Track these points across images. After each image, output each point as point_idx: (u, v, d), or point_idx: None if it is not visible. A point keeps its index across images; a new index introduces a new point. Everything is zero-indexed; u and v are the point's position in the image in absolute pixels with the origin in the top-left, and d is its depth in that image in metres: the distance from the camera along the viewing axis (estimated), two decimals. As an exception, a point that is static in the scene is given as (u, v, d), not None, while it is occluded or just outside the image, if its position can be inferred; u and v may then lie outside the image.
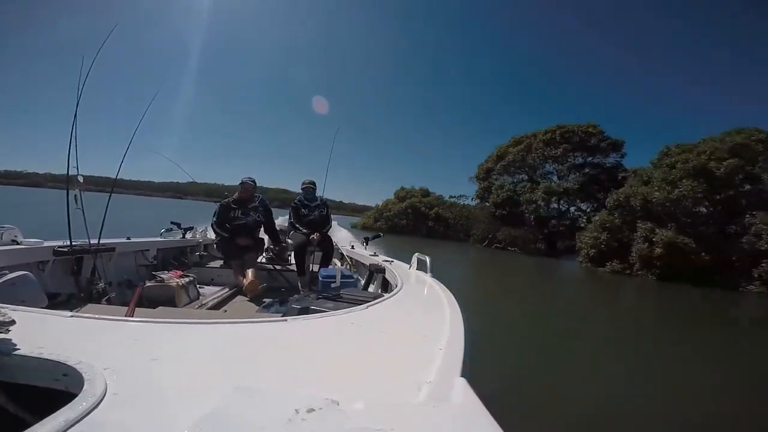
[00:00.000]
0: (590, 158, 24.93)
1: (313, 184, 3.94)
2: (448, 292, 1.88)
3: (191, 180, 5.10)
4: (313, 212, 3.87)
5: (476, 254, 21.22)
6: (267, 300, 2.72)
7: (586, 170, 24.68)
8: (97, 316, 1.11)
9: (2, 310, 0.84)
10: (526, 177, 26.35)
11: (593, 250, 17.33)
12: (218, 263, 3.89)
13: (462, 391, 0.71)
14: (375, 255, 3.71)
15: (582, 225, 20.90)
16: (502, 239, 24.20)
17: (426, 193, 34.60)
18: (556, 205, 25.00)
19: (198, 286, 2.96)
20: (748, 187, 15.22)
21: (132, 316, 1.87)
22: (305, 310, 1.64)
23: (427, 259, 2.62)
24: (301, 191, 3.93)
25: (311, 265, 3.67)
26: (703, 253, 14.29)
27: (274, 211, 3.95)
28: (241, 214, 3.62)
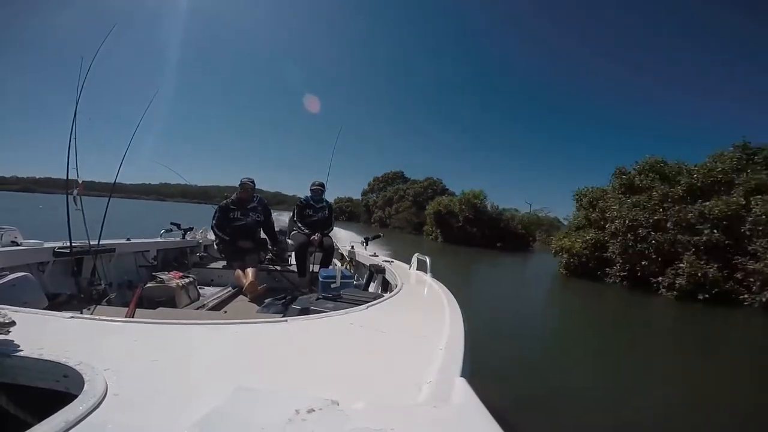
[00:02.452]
0: (389, 187, 52.18)
1: (323, 186, 3.99)
2: (448, 292, 1.88)
3: (186, 183, 5.12)
4: (317, 213, 3.92)
5: (357, 227, 38.47)
6: (267, 300, 2.72)
7: (388, 193, 51.47)
8: (97, 317, 1.11)
9: (2, 311, 0.84)
10: (375, 195, 55.68)
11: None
12: (218, 264, 3.89)
13: (462, 392, 0.71)
14: (375, 255, 3.71)
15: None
16: (365, 220, 52.10)
17: (349, 199, 62.98)
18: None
19: (198, 286, 2.96)
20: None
21: (132, 317, 1.88)
22: (305, 311, 1.64)
23: (427, 260, 2.62)
24: (310, 192, 3.98)
25: (312, 266, 3.68)
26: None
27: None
28: (241, 215, 3.62)
